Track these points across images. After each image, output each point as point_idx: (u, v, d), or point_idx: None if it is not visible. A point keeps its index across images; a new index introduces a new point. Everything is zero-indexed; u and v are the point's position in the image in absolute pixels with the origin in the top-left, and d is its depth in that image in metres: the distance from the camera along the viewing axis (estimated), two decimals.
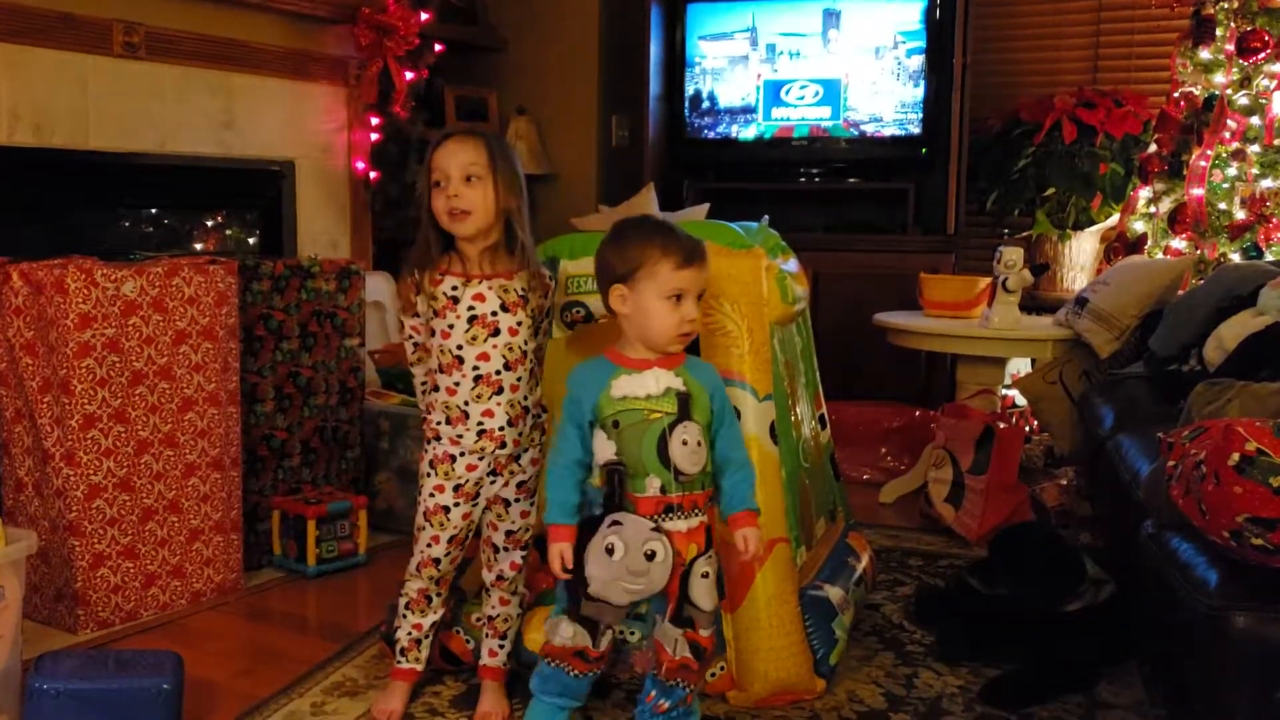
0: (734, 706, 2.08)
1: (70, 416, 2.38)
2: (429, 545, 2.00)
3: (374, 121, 3.94)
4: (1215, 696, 1.60)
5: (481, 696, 2.06)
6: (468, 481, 1.96)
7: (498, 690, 2.06)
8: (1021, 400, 3.81)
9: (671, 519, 1.75)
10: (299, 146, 3.83)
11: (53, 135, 3.10)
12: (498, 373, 1.92)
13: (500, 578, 2.05)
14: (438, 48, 4.21)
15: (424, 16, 4.03)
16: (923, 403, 3.98)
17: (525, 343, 1.95)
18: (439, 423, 1.96)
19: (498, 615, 2.07)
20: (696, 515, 1.78)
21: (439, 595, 2.06)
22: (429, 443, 1.99)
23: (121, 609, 2.49)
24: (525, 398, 1.96)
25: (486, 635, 2.08)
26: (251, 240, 3.85)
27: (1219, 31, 3.66)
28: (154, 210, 3.60)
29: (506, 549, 2.04)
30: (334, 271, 3.05)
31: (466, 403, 1.93)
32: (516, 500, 2.01)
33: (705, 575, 1.79)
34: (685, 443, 1.75)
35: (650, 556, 1.72)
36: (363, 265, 3.19)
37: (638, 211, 4.07)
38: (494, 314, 1.91)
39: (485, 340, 1.91)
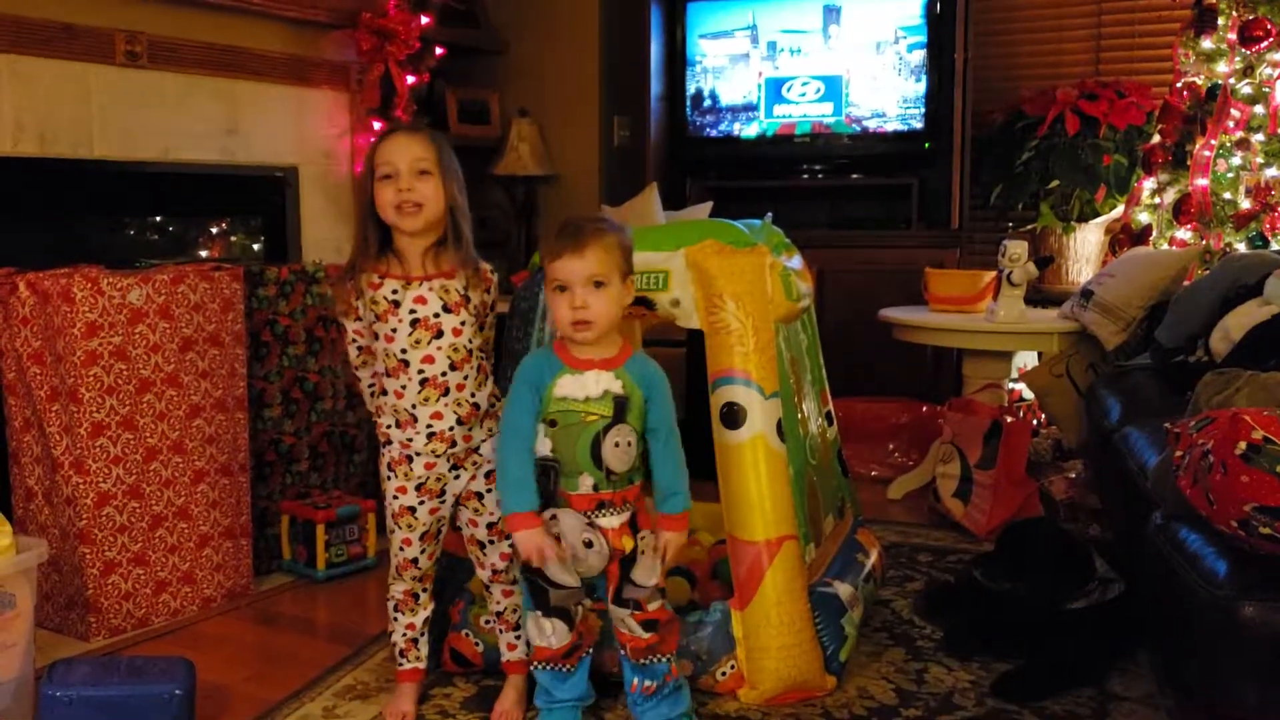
0: (744, 705, 2.08)
1: (79, 425, 2.39)
2: (402, 548, 2.00)
3: (376, 126, 3.94)
4: (1224, 686, 1.60)
5: (503, 693, 2.07)
6: (429, 479, 1.97)
7: (520, 686, 2.07)
8: (1028, 394, 3.80)
9: (603, 515, 1.84)
10: (302, 152, 3.84)
11: (57, 145, 3.11)
12: (443, 374, 1.92)
13: (496, 572, 2.05)
14: (439, 51, 4.22)
15: (425, 20, 4.04)
16: (930, 398, 3.97)
17: (469, 341, 1.94)
18: (389, 426, 1.97)
19: (505, 608, 2.07)
20: (627, 509, 1.85)
21: (425, 591, 2.06)
22: (384, 446, 1.99)
23: (132, 616, 2.50)
24: (473, 395, 1.96)
25: (500, 631, 2.09)
26: (256, 247, 3.86)
27: (1221, 21, 3.65)
28: (158, 218, 3.61)
29: (493, 541, 2.03)
30: (338, 280, 3.05)
31: (414, 406, 1.92)
32: (489, 490, 2.00)
33: (643, 553, 1.87)
34: (618, 445, 1.82)
35: (588, 545, 1.84)
36: None
37: (641, 211, 4.10)
38: (436, 316, 1.91)
39: (429, 343, 1.91)
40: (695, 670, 2.09)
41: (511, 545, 2.05)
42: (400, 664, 2.08)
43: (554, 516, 1.84)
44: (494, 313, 2.03)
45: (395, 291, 1.91)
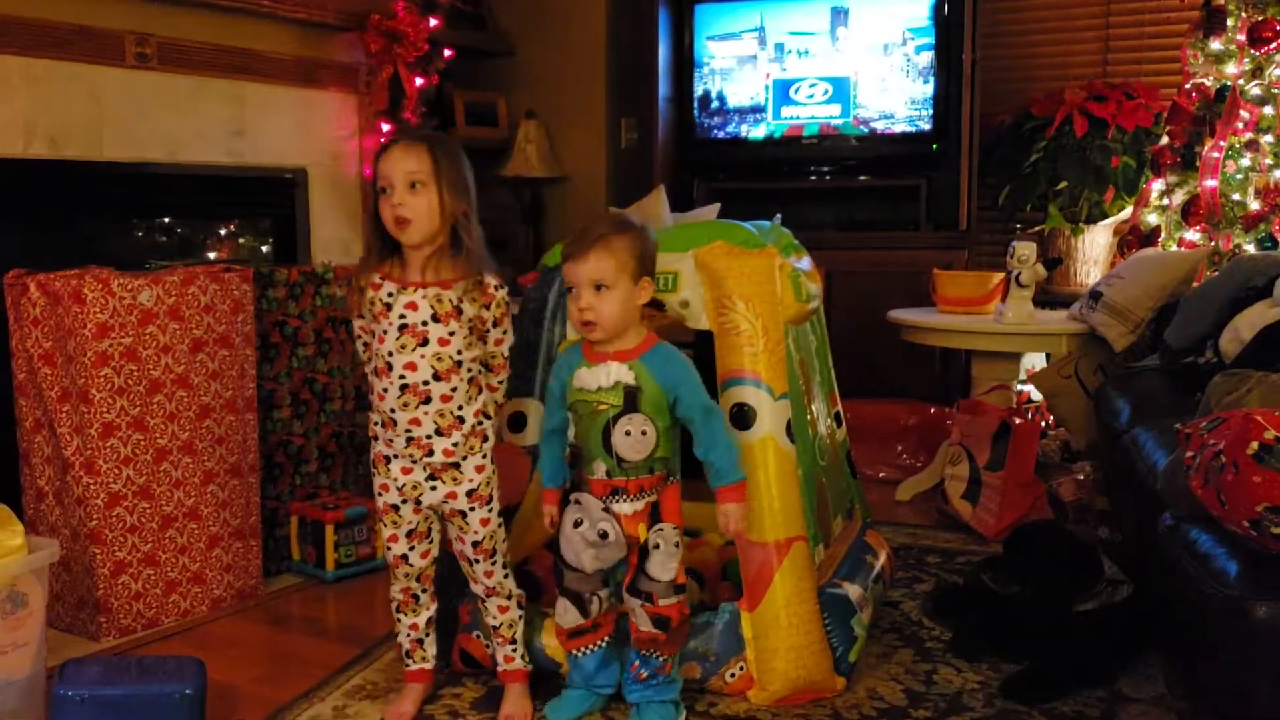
0: (754, 705, 2.08)
1: (89, 425, 2.40)
2: (389, 545, 2.01)
3: (385, 128, 3.96)
4: (1236, 687, 1.60)
5: (505, 699, 2.06)
6: (405, 484, 1.96)
7: (521, 692, 2.07)
8: (1037, 395, 3.80)
9: (618, 501, 1.92)
10: (311, 154, 3.85)
11: (67, 147, 3.12)
12: (425, 383, 1.90)
13: (488, 588, 2.04)
14: (447, 53, 4.23)
15: (433, 22, 4.05)
16: (938, 399, 3.97)
17: (459, 353, 1.92)
18: (376, 424, 1.98)
19: (500, 624, 2.06)
20: (643, 497, 1.92)
21: (425, 591, 2.06)
22: (371, 441, 2.01)
23: (143, 616, 2.50)
24: (460, 408, 1.93)
25: (497, 644, 2.08)
26: (265, 248, 3.87)
27: (1230, 22, 3.64)
28: (167, 220, 3.62)
29: (478, 560, 2.01)
30: (347, 277, 3.06)
31: (393, 409, 1.92)
32: (472, 509, 1.98)
33: (657, 546, 1.93)
34: (629, 433, 1.89)
35: (603, 536, 1.94)
36: None
37: (648, 213, 4.09)
38: (424, 324, 1.89)
39: (414, 350, 1.89)
40: (704, 671, 2.09)
41: (496, 562, 2.04)
42: (407, 664, 2.09)
43: (577, 501, 1.96)
44: (500, 328, 1.98)
45: (390, 295, 1.91)
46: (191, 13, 3.39)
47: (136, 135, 3.29)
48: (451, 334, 1.91)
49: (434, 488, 1.96)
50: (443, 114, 4.49)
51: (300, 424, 2.95)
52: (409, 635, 2.07)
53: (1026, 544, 2.45)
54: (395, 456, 1.95)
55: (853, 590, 2.24)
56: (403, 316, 1.90)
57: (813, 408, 2.36)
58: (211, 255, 3.76)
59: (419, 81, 4.00)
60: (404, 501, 1.98)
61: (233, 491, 2.66)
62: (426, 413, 1.91)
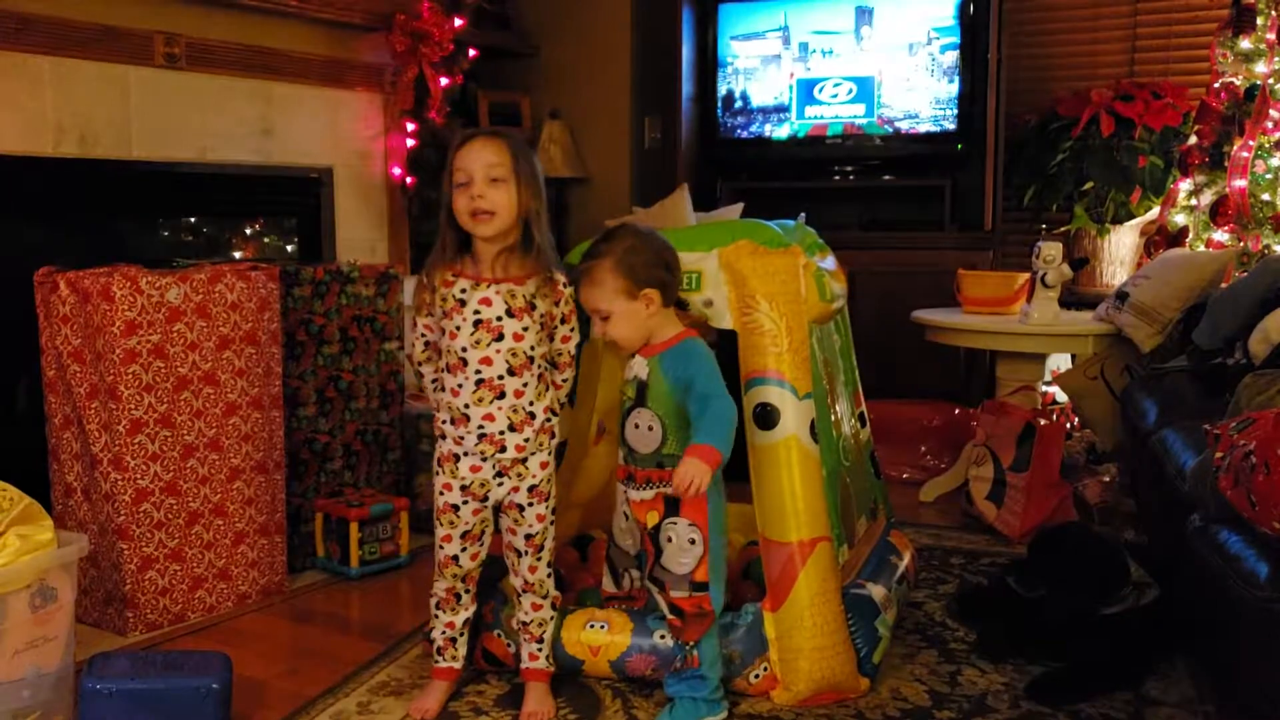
0: (778, 706, 2.07)
1: (117, 422, 2.42)
2: (442, 545, 2.03)
3: (410, 127, 3.97)
4: (1266, 689, 1.58)
5: (526, 696, 2.07)
6: (473, 482, 1.98)
7: (542, 690, 2.07)
8: (1062, 397, 3.77)
9: (630, 488, 2.02)
10: (337, 153, 3.87)
11: (96, 146, 3.14)
12: (500, 377, 1.93)
13: (527, 583, 2.06)
14: (472, 53, 4.24)
15: (458, 22, 4.06)
16: (962, 400, 3.95)
17: (531, 348, 1.95)
18: (444, 422, 1.99)
19: (531, 620, 2.08)
20: (651, 488, 1.98)
21: (467, 592, 2.08)
22: (437, 440, 2.02)
23: (169, 611, 2.52)
24: (531, 403, 1.97)
25: (524, 640, 2.09)
26: (290, 247, 3.89)
27: (1260, 20, 3.61)
28: (194, 219, 3.65)
29: (526, 553, 2.04)
30: (373, 276, 3.08)
31: (467, 405, 1.94)
32: (530, 504, 2.01)
33: (670, 539, 1.97)
34: (637, 426, 1.99)
35: (626, 517, 2.08)
36: (401, 270, 3.22)
37: (671, 212, 4.09)
38: (499, 319, 1.93)
39: (489, 345, 1.92)
40: (728, 672, 2.08)
41: (542, 559, 2.06)
42: (436, 661, 2.10)
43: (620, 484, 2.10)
44: (567, 325, 2.02)
45: (464, 291, 1.94)
46: (219, 13, 3.42)
47: (165, 134, 3.32)
48: (525, 329, 1.94)
49: (500, 484, 1.99)
50: (467, 114, 4.49)
51: (325, 421, 2.97)
52: (444, 633, 2.08)
53: (1051, 546, 2.44)
54: (466, 454, 1.97)
55: (877, 591, 2.23)
56: (477, 312, 1.93)
57: (837, 408, 2.35)
58: (237, 254, 3.78)
59: (444, 81, 4.01)
60: (465, 502, 1.99)
61: (258, 488, 2.67)
62: (500, 408, 1.94)
